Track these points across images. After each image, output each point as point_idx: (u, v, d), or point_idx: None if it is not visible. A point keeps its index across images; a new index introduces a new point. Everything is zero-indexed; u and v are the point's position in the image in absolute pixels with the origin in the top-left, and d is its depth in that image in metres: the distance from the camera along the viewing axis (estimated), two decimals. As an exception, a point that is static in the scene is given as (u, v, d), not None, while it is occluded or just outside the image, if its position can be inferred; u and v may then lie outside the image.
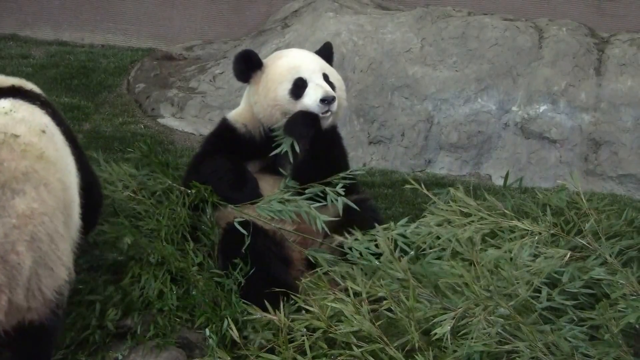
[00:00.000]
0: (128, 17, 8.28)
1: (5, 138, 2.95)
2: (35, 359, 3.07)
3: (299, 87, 4.05)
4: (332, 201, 3.91)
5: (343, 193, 3.92)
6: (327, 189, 3.93)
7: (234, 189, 4.01)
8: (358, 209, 3.93)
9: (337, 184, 3.95)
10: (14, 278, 2.84)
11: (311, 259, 3.82)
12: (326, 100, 3.99)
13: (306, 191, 3.95)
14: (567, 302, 3.52)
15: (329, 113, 4.02)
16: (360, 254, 3.74)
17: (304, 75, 4.06)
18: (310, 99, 4.01)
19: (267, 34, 6.89)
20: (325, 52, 4.31)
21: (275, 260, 3.77)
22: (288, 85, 4.06)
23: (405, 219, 3.87)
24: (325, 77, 4.10)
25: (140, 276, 3.68)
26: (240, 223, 3.82)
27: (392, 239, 3.71)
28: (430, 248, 3.72)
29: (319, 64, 4.16)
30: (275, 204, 3.91)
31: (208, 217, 4.06)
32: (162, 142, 5.83)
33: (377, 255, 3.71)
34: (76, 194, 3.22)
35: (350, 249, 3.78)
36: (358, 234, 3.79)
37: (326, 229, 3.87)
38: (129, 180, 4.29)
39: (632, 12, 7.39)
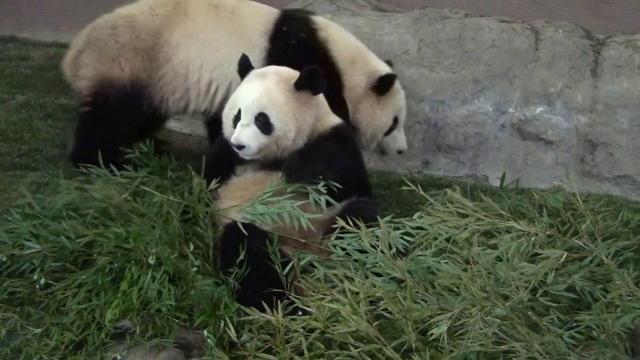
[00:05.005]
0: (126, 19, 8.28)
1: None
2: None
3: (236, 118, 4.12)
4: (315, 201, 3.92)
5: (325, 191, 3.93)
6: (309, 187, 3.94)
7: (206, 173, 4.23)
8: (337, 204, 3.96)
9: (319, 183, 3.96)
10: None
11: (296, 260, 3.82)
12: (234, 146, 4.05)
13: (288, 190, 3.96)
14: (560, 304, 3.55)
15: (246, 155, 4.07)
16: (347, 252, 3.76)
17: (242, 109, 4.09)
18: (231, 138, 4.07)
19: (264, 36, 6.90)
20: (305, 80, 4.12)
21: (272, 260, 3.78)
22: (234, 112, 4.15)
23: (390, 216, 3.88)
24: (262, 118, 4.04)
25: (139, 277, 3.69)
26: (238, 223, 3.84)
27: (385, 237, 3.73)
28: (427, 248, 3.74)
29: (260, 102, 4.06)
30: (259, 207, 3.90)
31: (202, 219, 4.09)
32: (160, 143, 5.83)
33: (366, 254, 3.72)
34: None
35: (334, 246, 3.80)
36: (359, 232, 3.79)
37: (312, 227, 3.88)
38: (126, 183, 4.32)
39: (627, 14, 7.41)
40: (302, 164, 3.97)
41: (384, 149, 5.24)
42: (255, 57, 4.77)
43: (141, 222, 3.99)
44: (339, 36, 5.05)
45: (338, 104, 4.73)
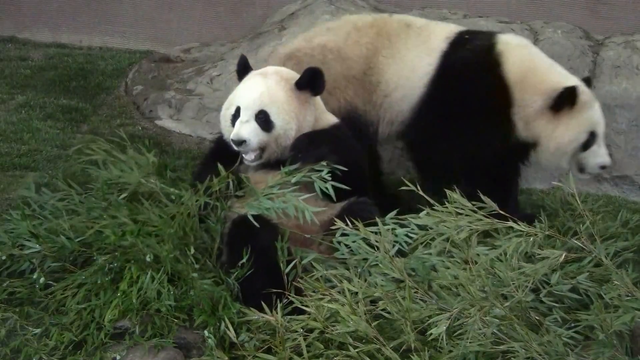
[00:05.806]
0: (126, 20, 8.30)
1: None
2: None
3: (235, 116, 4.12)
4: (320, 190, 3.92)
5: (330, 178, 3.93)
6: (313, 176, 3.95)
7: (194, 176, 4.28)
8: (347, 187, 3.95)
9: (323, 171, 3.95)
10: None
11: (298, 258, 3.81)
12: (235, 142, 4.05)
13: (292, 180, 3.96)
14: (559, 304, 3.55)
15: (248, 155, 4.07)
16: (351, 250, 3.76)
17: (241, 107, 4.10)
18: (231, 134, 4.07)
19: (264, 36, 6.91)
20: (307, 80, 4.15)
21: (279, 256, 3.76)
22: (232, 111, 4.15)
23: (394, 212, 3.87)
24: (263, 115, 4.05)
25: (138, 277, 3.69)
26: (249, 216, 3.81)
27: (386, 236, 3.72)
28: (427, 248, 3.74)
29: (261, 100, 4.07)
30: (264, 202, 3.90)
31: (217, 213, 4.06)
32: (160, 144, 5.85)
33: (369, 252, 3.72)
34: None
35: (339, 243, 3.80)
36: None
37: (316, 220, 3.87)
38: (130, 178, 4.32)
39: (626, 15, 7.42)
40: (309, 144, 4.02)
41: (583, 166, 4.88)
42: (432, 59, 4.86)
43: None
44: (517, 52, 4.91)
45: (499, 118, 4.78)
